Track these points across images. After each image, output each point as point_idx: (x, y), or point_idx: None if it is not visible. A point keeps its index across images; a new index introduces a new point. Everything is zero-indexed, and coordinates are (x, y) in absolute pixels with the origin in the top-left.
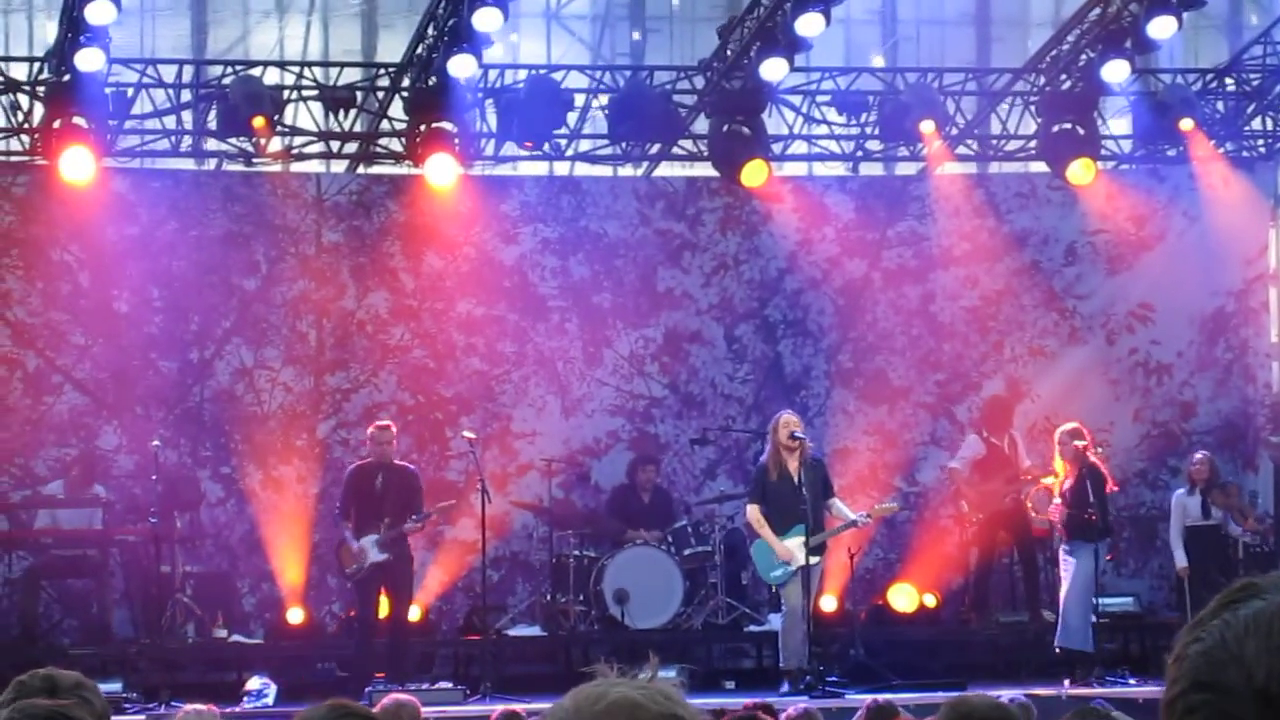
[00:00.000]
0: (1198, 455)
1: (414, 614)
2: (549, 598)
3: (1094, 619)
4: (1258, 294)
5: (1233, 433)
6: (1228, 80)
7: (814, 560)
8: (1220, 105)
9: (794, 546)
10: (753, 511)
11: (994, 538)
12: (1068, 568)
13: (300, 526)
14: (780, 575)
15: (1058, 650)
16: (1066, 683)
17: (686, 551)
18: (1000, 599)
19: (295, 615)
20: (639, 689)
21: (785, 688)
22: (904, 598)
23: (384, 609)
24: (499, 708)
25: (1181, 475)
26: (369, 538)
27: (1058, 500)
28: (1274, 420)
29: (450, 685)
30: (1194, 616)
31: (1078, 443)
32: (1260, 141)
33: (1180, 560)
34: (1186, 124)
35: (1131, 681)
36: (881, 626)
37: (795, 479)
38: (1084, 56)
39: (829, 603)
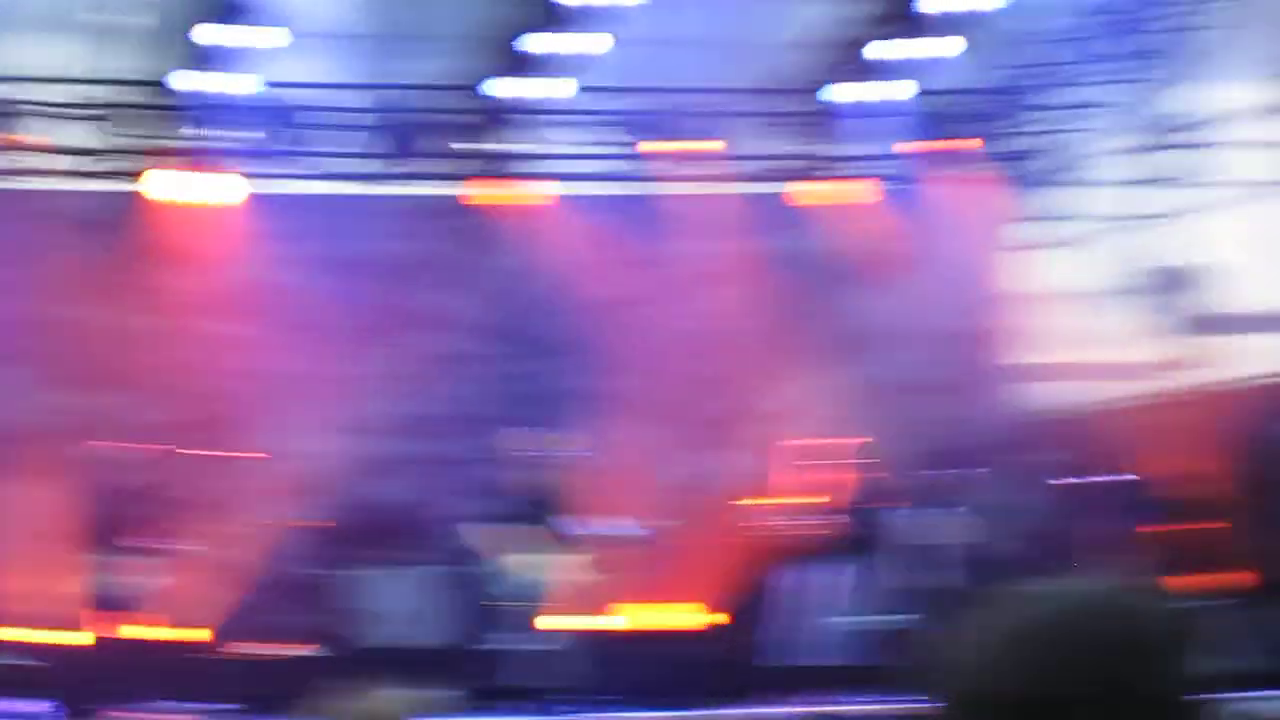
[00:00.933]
0: (950, 473)
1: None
2: (306, 617)
3: None
4: (1005, 313)
5: (988, 451)
6: (978, 100)
7: (563, 577)
8: (971, 125)
9: (539, 564)
10: (496, 531)
11: (747, 556)
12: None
13: None
14: (523, 593)
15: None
16: None
17: (444, 569)
18: (764, 617)
19: None
20: (384, 703)
21: (541, 707)
22: (668, 615)
23: None
24: None
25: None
26: None
27: None
28: (1033, 437)
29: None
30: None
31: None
32: (1007, 162)
33: (935, 577)
34: (939, 144)
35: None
36: (646, 644)
37: (542, 497)
38: (825, 77)
39: (590, 620)
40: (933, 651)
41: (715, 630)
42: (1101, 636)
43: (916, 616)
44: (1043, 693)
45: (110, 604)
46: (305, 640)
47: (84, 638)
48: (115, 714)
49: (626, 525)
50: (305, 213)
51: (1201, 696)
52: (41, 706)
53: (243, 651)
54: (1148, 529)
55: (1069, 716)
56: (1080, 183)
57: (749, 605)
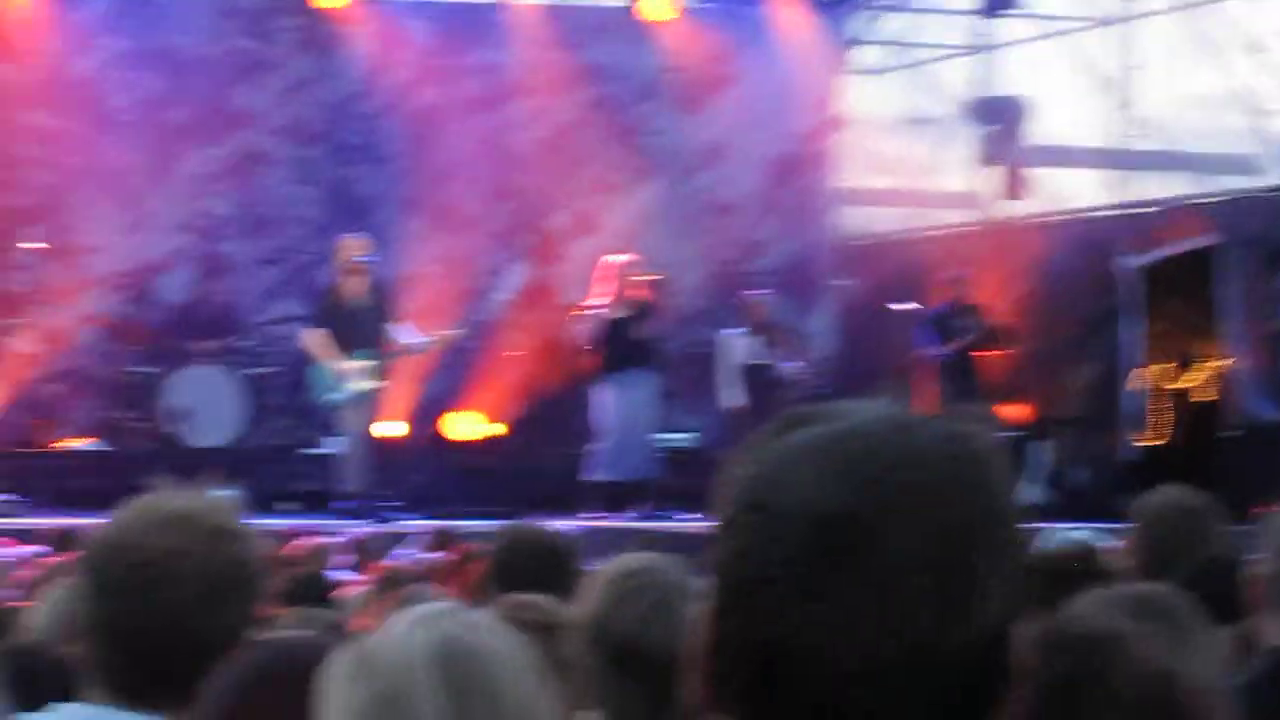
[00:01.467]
0: (754, 294)
1: None
2: (110, 413)
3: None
4: (826, 138)
5: (797, 275)
6: None
7: (374, 384)
8: None
9: (354, 370)
10: (313, 334)
11: (549, 368)
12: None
13: None
14: (338, 398)
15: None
16: (628, 515)
17: (249, 371)
18: (560, 430)
19: None
20: (194, 502)
21: (343, 510)
22: (468, 425)
23: None
24: (60, 521)
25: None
26: None
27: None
28: (838, 263)
29: (11, 497)
30: (745, 443)
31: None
32: None
33: (733, 398)
34: None
35: (685, 517)
36: (444, 453)
37: (358, 302)
38: None
39: (393, 428)
40: (733, 466)
41: (510, 441)
42: (924, 453)
43: (714, 435)
44: (850, 507)
45: None
46: (111, 436)
47: None
48: None
49: (433, 333)
50: (127, 5)
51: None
52: None
53: (43, 447)
54: (948, 356)
55: (873, 539)
56: (908, 8)
57: (546, 417)
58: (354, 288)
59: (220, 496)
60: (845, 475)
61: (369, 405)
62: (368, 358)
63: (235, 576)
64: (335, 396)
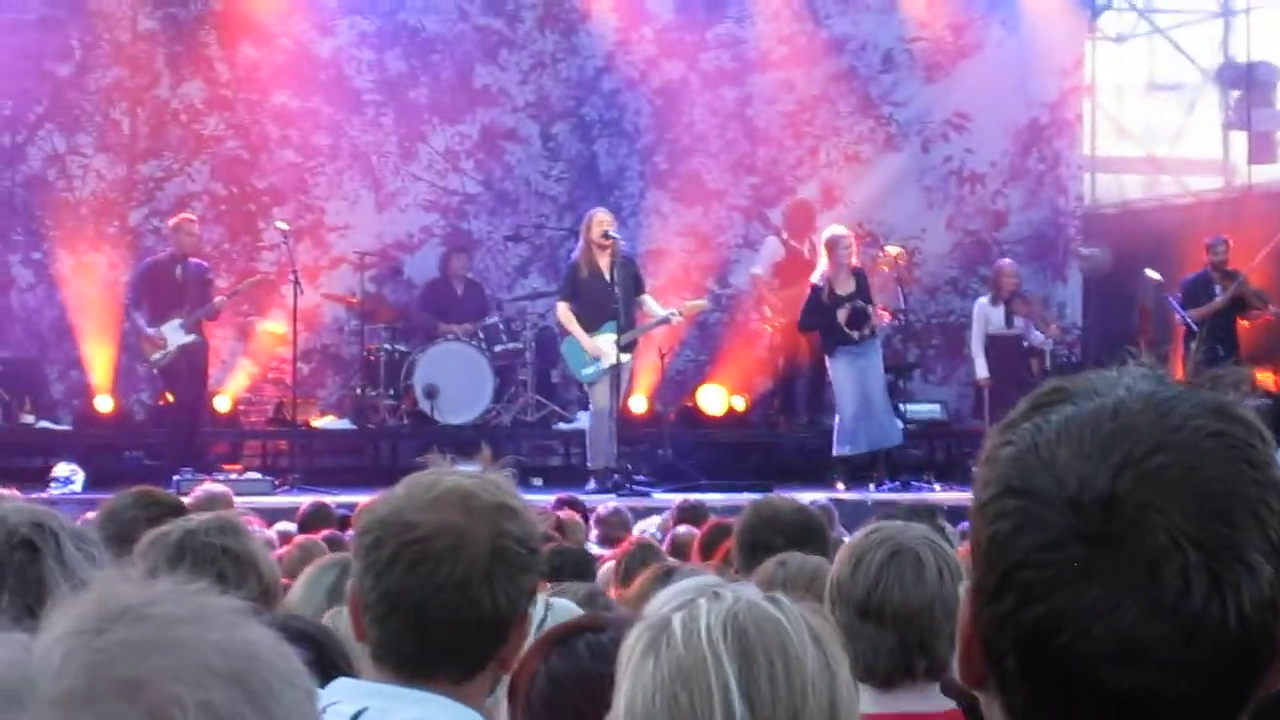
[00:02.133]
0: (1003, 264)
1: (223, 404)
2: (359, 391)
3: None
4: (1072, 106)
5: (1043, 244)
6: None
7: (624, 358)
8: None
9: (605, 344)
10: (563, 309)
11: (797, 342)
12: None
13: (110, 314)
14: (592, 373)
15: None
16: (871, 487)
17: (497, 348)
18: (807, 404)
19: (104, 403)
20: (471, 478)
21: (592, 485)
22: (713, 399)
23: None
24: (307, 500)
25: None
26: (171, 323)
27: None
28: (1084, 232)
29: (259, 476)
30: (1002, 419)
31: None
32: None
33: (980, 370)
34: None
35: (936, 487)
36: (690, 427)
37: (607, 276)
38: None
39: (638, 403)
40: (990, 446)
41: (756, 415)
42: (1185, 429)
43: (962, 405)
44: (1112, 489)
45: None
46: (360, 414)
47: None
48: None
49: (681, 305)
50: None
51: None
52: (67, 469)
53: (300, 424)
54: (1201, 323)
55: (1137, 520)
56: None
57: (792, 391)
58: (602, 262)
59: (496, 473)
60: (1105, 456)
61: (620, 379)
62: (617, 331)
63: (516, 552)
64: (589, 371)
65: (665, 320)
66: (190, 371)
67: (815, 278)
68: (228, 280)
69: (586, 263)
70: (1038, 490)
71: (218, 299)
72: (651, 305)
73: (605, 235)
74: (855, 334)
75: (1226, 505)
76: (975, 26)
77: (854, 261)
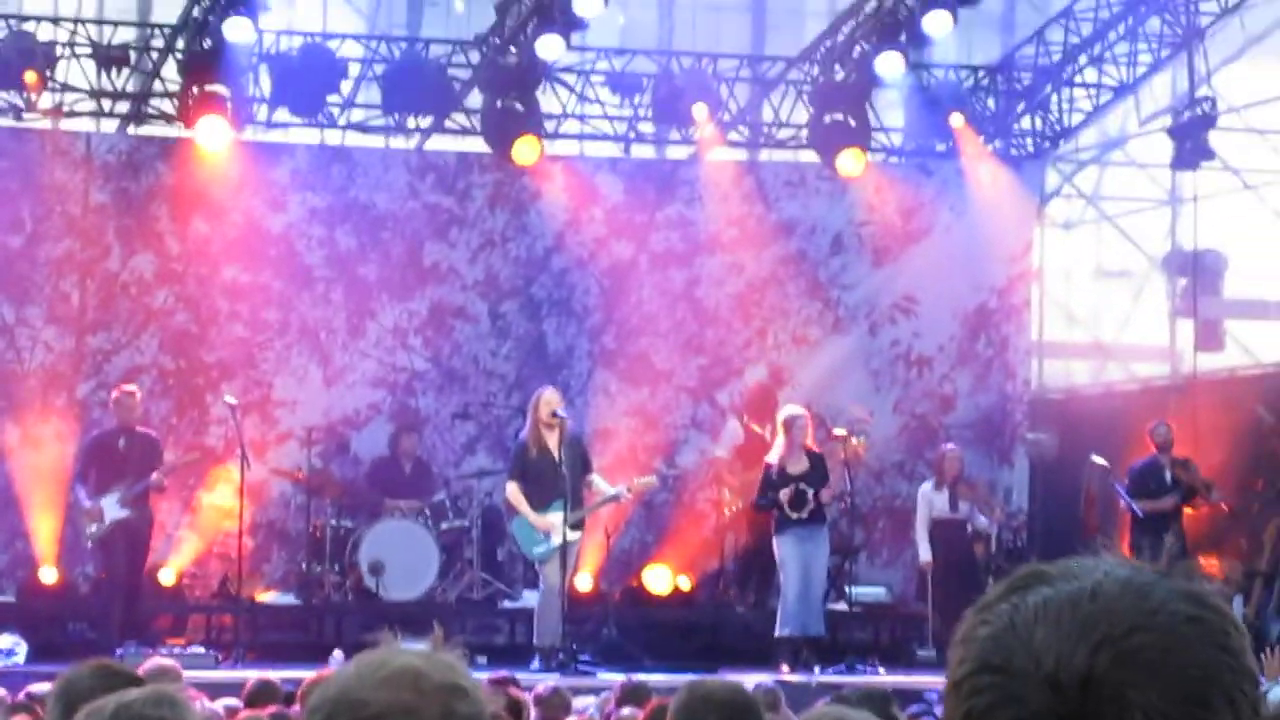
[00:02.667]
0: (947, 448)
1: (168, 578)
2: (304, 566)
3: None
4: (1020, 291)
5: (990, 428)
6: (999, 78)
7: (573, 537)
8: (991, 102)
9: (554, 522)
10: (512, 488)
11: (750, 523)
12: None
13: (56, 486)
14: (543, 551)
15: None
16: (815, 670)
17: (444, 525)
18: (752, 584)
19: (48, 575)
20: (422, 658)
21: (536, 664)
22: (659, 579)
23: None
24: (252, 675)
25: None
26: (109, 496)
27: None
28: (1031, 417)
29: (203, 650)
30: (978, 601)
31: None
32: (1028, 140)
33: (924, 554)
34: (957, 120)
35: (881, 670)
36: (636, 607)
37: (555, 455)
38: (858, 48)
39: (584, 581)
40: (967, 625)
41: (701, 595)
42: (1162, 612)
43: (907, 589)
44: (1089, 668)
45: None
46: (305, 589)
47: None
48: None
49: (629, 484)
50: (322, 163)
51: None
52: (10, 641)
53: (245, 599)
54: (1149, 511)
55: (1114, 700)
56: (1103, 162)
57: (738, 572)
58: (550, 441)
59: (446, 651)
60: (1083, 636)
61: (568, 558)
62: (565, 509)
63: None
64: (541, 549)
65: (614, 498)
66: (128, 546)
67: (770, 456)
68: (175, 454)
69: (534, 441)
70: (1015, 667)
71: (155, 475)
72: (600, 483)
73: (553, 414)
74: (794, 514)
75: (1203, 689)
76: (924, 211)
77: (809, 442)
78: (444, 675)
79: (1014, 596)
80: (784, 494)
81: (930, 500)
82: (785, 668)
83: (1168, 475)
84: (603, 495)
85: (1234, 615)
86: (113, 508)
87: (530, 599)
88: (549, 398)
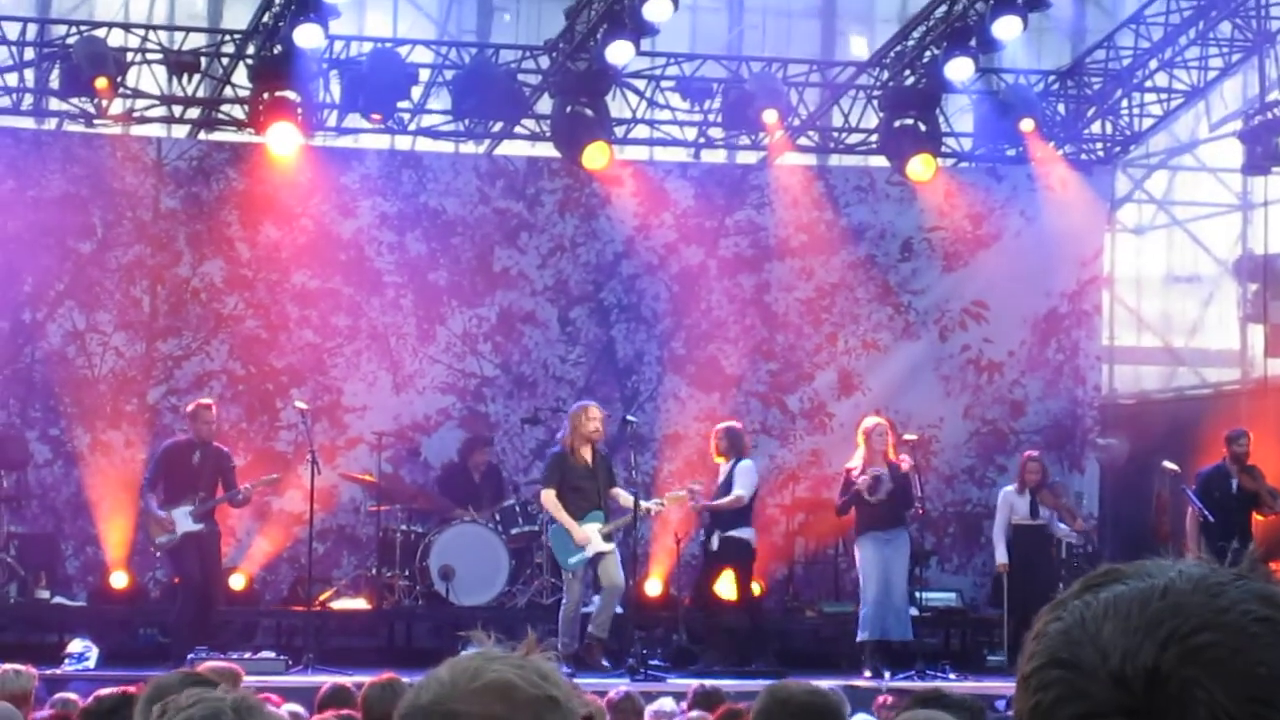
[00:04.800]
0: (1031, 455)
1: (239, 583)
2: (374, 571)
3: (898, 608)
4: (1091, 296)
5: (1061, 433)
6: (1069, 83)
7: (608, 547)
8: (1061, 107)
9: (591, 533)
10: (549, 495)
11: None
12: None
13: (127, 491)
14: (577, 561)
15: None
16: (886, 675)
17: (513, 530)
18: (823, 590)
19: (119, 580)
20: (515, 668)
21: (605, 663)
22: (728, 585)
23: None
24: (323, 679)
25: (1009, 473)
26: (181, 509)
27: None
28: (1102, 422)
29: (273, 655)
30: (1011, 611)
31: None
32: (1099, 145)
33: (1001, 556)
34: (1027, 125)
35: (952, 676)
36: (705, 612)
37: (590, 465)
38: (928, 53)
39: (654, 587)
40: (1040, 621)
41: (777, 600)
42: (1232, 611)
43: (980, 593)
44: (1155, 664)
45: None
46: (376, 594)
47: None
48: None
49: (669, 495)
50: (392, 168)
51: None
52: (81, 646)
53: (311, 604)
54: (1218, 515)
55: (1179, 696)
56: (1174, 166)
57: (810, 577)
58: (586, 453)
59: (539, 658)
60: (1150, 632)
61: (612, 560)
62: (600, 520)
63: None
64: (575, 559)
65: (648, 512)
66: (201, 558)
67: (850, 463)
68: (246, 459)
69: (572, 451)
70: (1082, 662)
71: (243, 490)
72: (628, 500)
73: (593, 427)
74: (870, 497)
75: (1270, 688)
76: (994, 216)
77: (889, 452)
78: (537, 688)
79: (1087, 594)
80: (862, 480)
81: (1011, 504)
82: (867, 673)
83: (1234, 483)
84: (637, 511)
85: None
86: (185, 520)
87: (598, 603)
88: (594, 413)
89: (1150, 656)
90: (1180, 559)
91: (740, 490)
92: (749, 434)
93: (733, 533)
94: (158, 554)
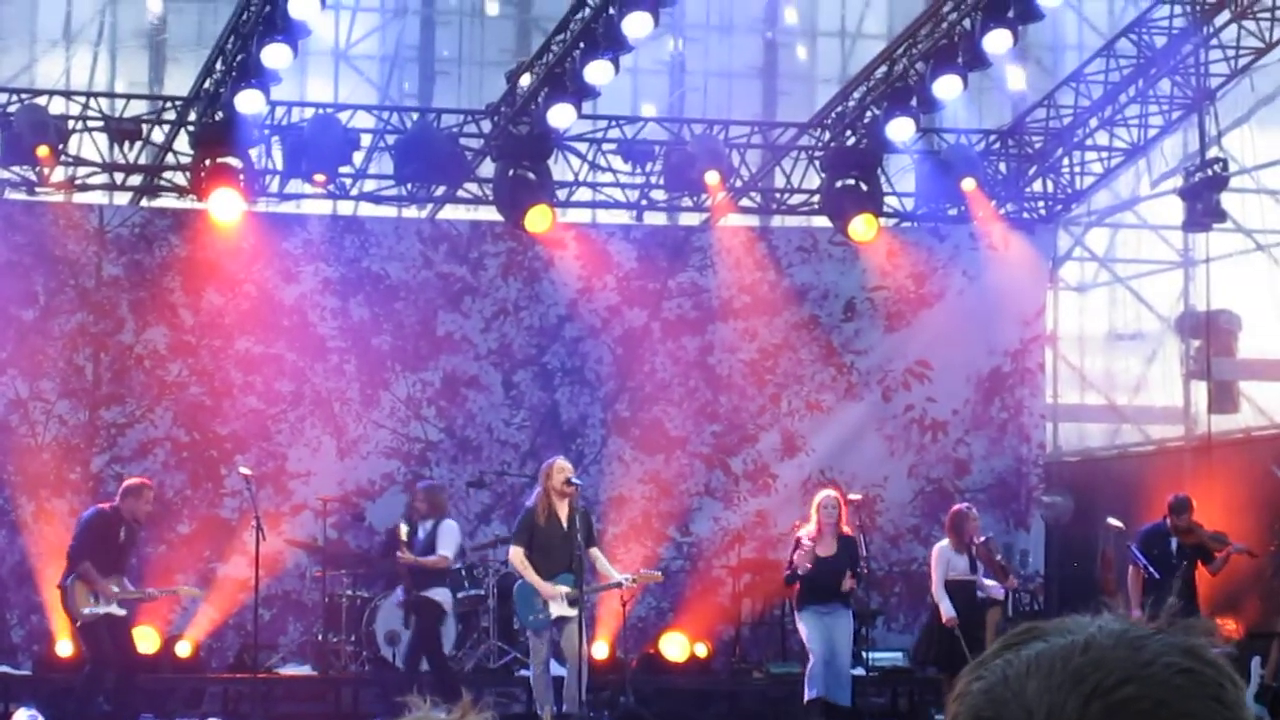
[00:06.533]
0: (962, 509)
1: (185, 650)
2: (320, 637)
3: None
4: (1034, 354)
5: (1005, 491)
6: (1010, 141)
7: (570, 612)
8: (1002, 166)
9: (556, 592)
10: (516, 553)
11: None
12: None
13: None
14: (537, 621)
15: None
16: None
17: (460, 594)
18: (770, 650)
19: (64, 647)
20: None
21: None
22: (676, 646)
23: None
24: None
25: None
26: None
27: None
28: (1046, 480)
29: None
30: (975, 659)
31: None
32: (1040, 203)
33: (948, 610)
34: (968, 184)
35: None
36: (653, 674)
37: (564, 525)
38: (869, 113)
39: (601, 649)
40: (963, 679)
41: (724, 661)
42: (1156, 666)
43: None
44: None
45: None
46: (321, 660)
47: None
48: None
49: (643, 572)
50: (335, 233)
51: None
52: (27, 715)
53: (258, 671)
54: (1162, 572)
55: None
56: (1114, 224)
57: (755, 638)
58: (561, 510)
59: (476, 718)
60: (1074, 687)
61: (572, 629)
62: (569, 582)
63: None
64: (534, 619)
65: (617, 585)
66: (114, 635)
67: (801, 532)
68: (191, 526)
69: (544, 510)
70: (1007, 719)
71: (155, 591)
72: (605, 565)
73: (568, 482)
74: (799, 570)
75: None
76: (937, 276)
77: (842, 525)
78: None
79: (1008, 652)
80: (798, 556)
81: (948, 559)
82: None
83: (1173, 542)
84: (607, 581)
85: (1230, 670)
86: (111, 605)
87: (553, 669)
88: (561, 465)
89: (1075, 711)
90: (1099, 615)
91: (445, 551)
92: (694, 495)
93: (426, 593)
94: (77, 624)
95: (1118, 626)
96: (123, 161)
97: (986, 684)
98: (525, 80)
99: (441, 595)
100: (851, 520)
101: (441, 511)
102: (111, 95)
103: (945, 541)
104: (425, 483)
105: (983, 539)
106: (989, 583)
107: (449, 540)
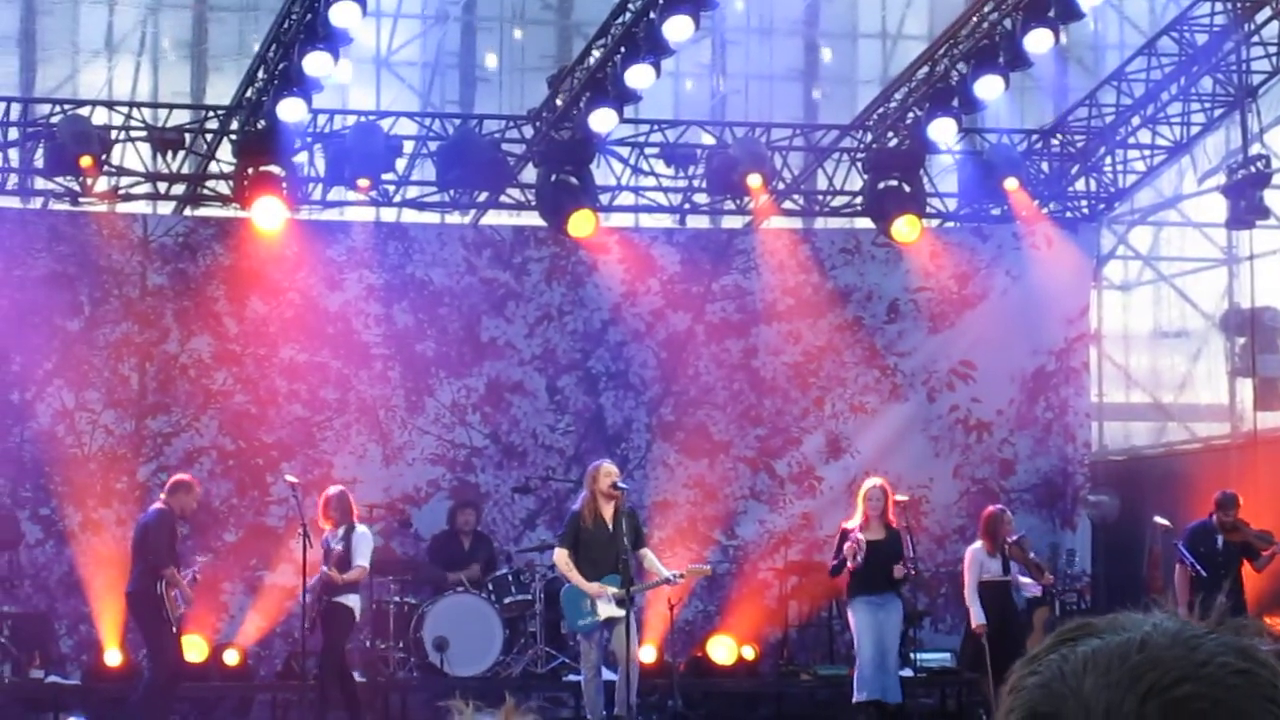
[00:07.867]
0: (995, 510)
1: (233, 658)
2: (368, 644)
3: (890, 671)
4: (1078, 353)
5: (1051, 491)
6: (1053, 141)
7: (618, 613)
8: (1045, 165)
9: (603, 595)
10: (562, 556)
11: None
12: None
13: (119, 569)
14: (586, 624)
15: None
16: None
17: (507, 600)
18: (818, 653)
19: (113, 657)
20: None
21: None
22: (723, 650)
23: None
24: None
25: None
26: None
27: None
28: (1092, 479)
29: None
30: (1028, 654)
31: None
32: (1083, 202)
33: (978, 617)
34: (1011, 184)
35: None
36: (700, 678)
37: (610, 528)
38: (911, 114)
39: (648, 653)
40: (1016, 676)
41: (771, 664)
42: (1210, 665)
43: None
44: (1135, 718)
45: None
46: (370, 666)
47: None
48: None
49: (691, 567)
50: (378, 240)
51: None
52: None
53: (306, 679)
54: (1209, 570)
55: None
56: (1159, 223)
57: (803, 640)
58: (606, 513)
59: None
60: (1132, 685)
61: (621, 631)
62: (616, 584)
63: None
64: (586, 622)
65: (667, 581)
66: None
67: (848, 523)
68: (238, 535)
69: (590, 513)
70: (1064, 715)
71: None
72: (653, 562)
73: (614, 486)
74: (849, 562)
75: None
76: (980, 276)
77: (889, 515)
78: None
79: (1063, 648)
80: (847, 548)
81: (982, 562)
82: None
83: (1219, 540)
84: (656, 578)
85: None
86: (188, 603)
87: (593, 672)
88: (608, 469)
89: (1132, 709)
90: (1155, 611)
91: (362, 561)
92: (739, 499)
93: (339, 598)
94: (175, 628)
95: (1172, 625)
96: (166, 171)
97: (1042, 679)
98: (567, 85)
99: (353, 601)
100: (899, 521)
101: (350, 519)
102: (154, 105)
103: (979, 544)
104: (335, 489)
105: (1014, 538)
106: (1025, 580)
107: (364, 549)
